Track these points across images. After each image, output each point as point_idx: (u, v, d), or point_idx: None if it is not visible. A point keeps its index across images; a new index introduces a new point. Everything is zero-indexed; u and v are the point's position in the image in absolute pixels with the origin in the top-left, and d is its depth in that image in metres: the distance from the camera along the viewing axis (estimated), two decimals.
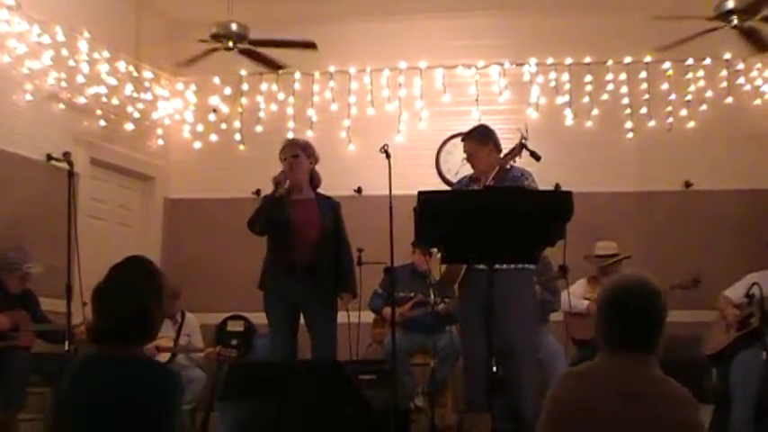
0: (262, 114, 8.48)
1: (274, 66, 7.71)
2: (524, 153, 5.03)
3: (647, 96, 8.07)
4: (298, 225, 5.47)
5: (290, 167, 5.52)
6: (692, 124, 8.02)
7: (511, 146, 5.10)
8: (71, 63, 7.28)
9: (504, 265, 4.76)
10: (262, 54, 7.49)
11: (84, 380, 2.80)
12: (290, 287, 5.43)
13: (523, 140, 4.93)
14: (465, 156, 5.34)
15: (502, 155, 5.11)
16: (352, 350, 6.73)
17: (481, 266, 4.69)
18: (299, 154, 5.58)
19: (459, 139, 8.09)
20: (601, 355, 2.86)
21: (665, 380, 2.78)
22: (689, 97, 8.02)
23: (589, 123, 8.13)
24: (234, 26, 7.21)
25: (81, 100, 7.42)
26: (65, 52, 7.21)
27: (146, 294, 2.88)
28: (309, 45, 7.31)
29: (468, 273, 4.90)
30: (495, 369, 4.39)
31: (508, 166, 5.06)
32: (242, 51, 7.40)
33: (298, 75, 8.36)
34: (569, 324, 6.64)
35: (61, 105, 7.25)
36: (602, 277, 6.79)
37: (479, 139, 5.30)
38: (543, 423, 2.81)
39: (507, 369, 5.00)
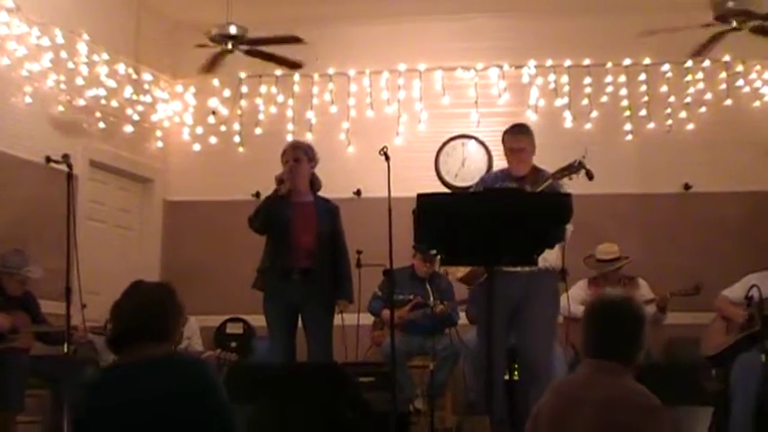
0: (261, 116, 8.47)
1: (290, 65, 7.65)
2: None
3: (646, 98, 8.07)
4: (295, 229, 5.48)
5: (291, 171, 5.52)
6: (691, 126, 8.02)
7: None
8: (70, 65, 7.28)
9: (528, 268, 4.76)
10: (275, 55, 7.46)
11: (109, 387, 2.87)
12: (289, 290, 5.44)
13: (583, 159, 4.92)
14: (512, 148, 5.26)
15: (557, 169, 5.06)
16: (352, 353, 6.74)
17: (508, 269, 4.71)
18: (300, 158, 5.58)
19: (458, 141, 8.23)
20: (581, 364, 3.04)
21: (629, 386, 2.92)
22: (688, 99, 8.02)
23: (588, 125, 8.12)
24: (233, 28, 7.21)
25: (80, 102, 7.41)
26: (64, 54, 7.20)
27: (157, 295, 3.02)
28: (296, 40, 7.24)
29: (493, 275, 4.85)
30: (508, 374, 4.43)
31: (550, 175, 5.02)
32: (254, 53, 7.38)
33: (297, 77, 8.36)
34: (569, 330, 6.63)
35: (60, 107, 7.25)
36: (602, 281, 6.79)
37: (533, 138, 5.29)
38: (526, 429, 3.02)
39: (521, 370, 5.01)
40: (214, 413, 2.81)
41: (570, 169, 4.94)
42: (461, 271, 5.29)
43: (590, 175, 4.99)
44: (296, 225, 5.48)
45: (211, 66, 7.45)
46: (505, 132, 5.38)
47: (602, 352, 2.97)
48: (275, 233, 5.50)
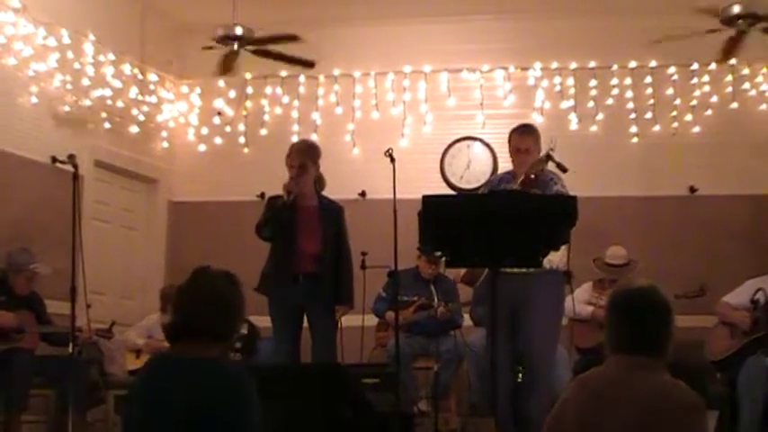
0: (266, 117, 8.48)
1: (302, 64, 7.63)
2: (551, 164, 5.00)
3: (651, 101, 8.06)
4: (301, 235, 5.48)
5: (297, 176, 5.51)
6: (696, 129, 8.01)
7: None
8: (76, 66, 7.29)
9: (532, 269, 4.76)
10: (286, 54, 7.44)
11: (155, 379, 2.77)
12: (294, 293, 5.45)
13: (550, 151, 4.91)
14: (518, 148, 5.24)
15: (528, 165, 5.05)
16: (356, 354, 6.73)
17: (509, 270, 4.70)
18: (306, 163, 5.57)
19: (463, 142, 8.23)
20: (608, 360, 2.88)
21: (670, 383, 2.81)
22: (694, 102, 8.01)
23: (594, 128, 8.12)
24: (239, 29, 7.21)
25: (86, 102, 7.42)
26: (70, 55, 7.21)
27: (226, 292, 2.85)
28: (293, 38, 7.22)
29: (496, 277, 4.85)
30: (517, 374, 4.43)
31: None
32: (265, 54, 7.36)
33: (302, 78, 8.36)
34: (573, 332, 6.62)
35: (66, 108, 7.25)
36: (609, 284, 6.77)
37: (539, 140, 5.27)
38: (547, 424, 2.87)
39: (524, 374, 5.00)
40: (242, 427, 2.72)
41: (539, 163, 4.93)
42: (461, 271, 5.30)
43: (562, 168, 4.96)
44: (302, 230, 5.48)
45: (228, 66, 7.43)
46: (512, 131, 5.36)
47: (634, 346, 2.82)
48: (281, 238, 5.49)
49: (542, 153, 4.95)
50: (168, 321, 2.86)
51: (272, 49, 7.37)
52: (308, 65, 7.64)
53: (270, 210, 5.54)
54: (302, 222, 5.50)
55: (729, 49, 7.02)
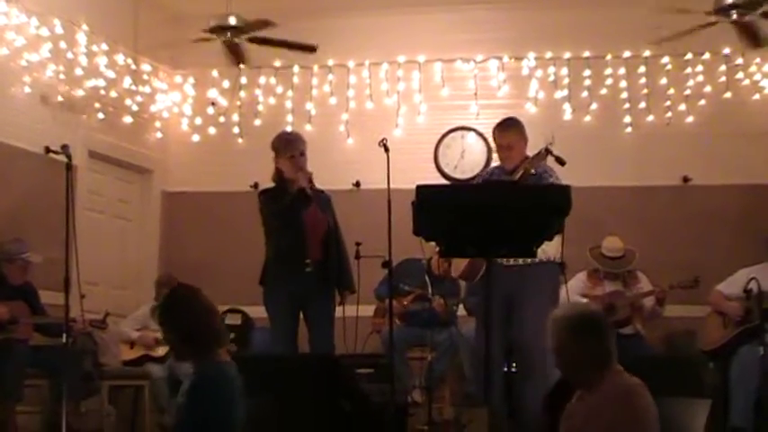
0: (260, 108, 8.46)
1: (304, 49, 7.59)
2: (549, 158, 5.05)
3: (645, 91, 8.06)
4: (309, 221, 5.50)
5: (303, 164, 5.53)
6: (690, 119, 8.01)
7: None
8: (69, 56, 7.27)
9: (529, 260, 4.77)
10: (288, 41, 7.42)
11: (233, 383, 3.72)
12: (298, 282, 5.47)
13: (549, 146, 4.94)
14: (500, 145, 5.31)
15: (527, 159, 5.10)
16: (351, 343, 6.74)
17: (504, 261, 4.72)
18: (305, 151, 5.60)
19: (457, 132, 8.23)
20: (612, 376, 3.25)
21: None
22: (688, 92, 8.00)
23: (588, 118, 8.12)
24: (232, 19, 7.18)
25: (79, 93, 7.40)
26: (63, 45, 7.19)
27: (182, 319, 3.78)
28: (267, 24, 7.20)
29: (490, 267, 4.86)
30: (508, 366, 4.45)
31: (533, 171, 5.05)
32: (265, 41, 7.34)
33: (296, 68, 8.35)
34: None
35: (59, 98, 7.23)
36: (605, 275, 6.77)
37: (522, 132, 5.31)
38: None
39: (518, 362, 5.01)
40: None
41: (539, 157, 4.96)
42: (460, 267, 5.30)
43: (560, 161, 5.01)
44: (308, 219, 5.50)
45: (238, 56, 7.39)
46: (494, 128, 5.43)
47: (614, 357, 3.27)
48: (290, 229, 5.50)
49: (542, 147, 4.97)
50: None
51: (274, 37, 7.34)
52: (310, 49, 7.60)
53: (281, 197, 5.51)
54: (309, 210, 5.52)
55: (749, 35, 6.98)
